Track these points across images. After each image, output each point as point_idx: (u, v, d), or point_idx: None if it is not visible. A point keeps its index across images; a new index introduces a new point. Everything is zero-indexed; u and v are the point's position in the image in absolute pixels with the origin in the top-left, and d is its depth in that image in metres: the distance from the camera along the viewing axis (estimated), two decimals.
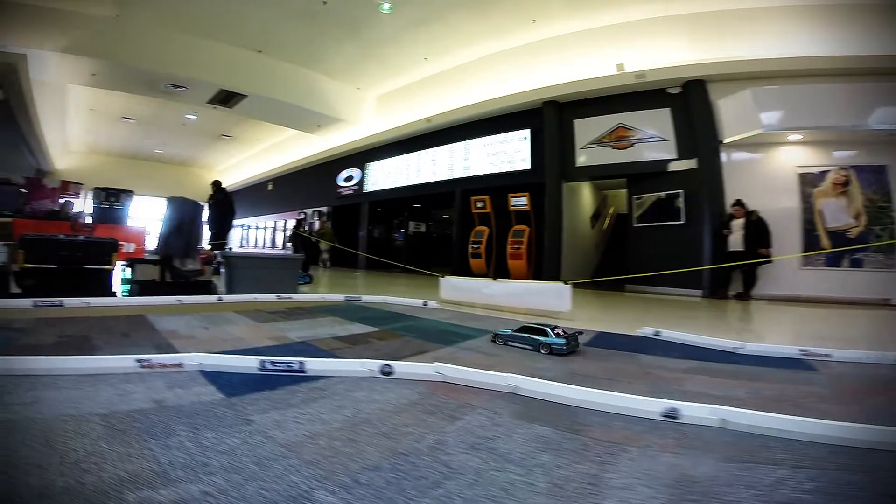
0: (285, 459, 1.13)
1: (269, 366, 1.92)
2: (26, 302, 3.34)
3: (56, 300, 3.41)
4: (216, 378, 1.79)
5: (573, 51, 9.86)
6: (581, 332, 2.99)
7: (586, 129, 9.47)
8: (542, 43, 10.38)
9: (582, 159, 9.48)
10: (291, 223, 19.06)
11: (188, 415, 1.38)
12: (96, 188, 6.86)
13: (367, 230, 15.10)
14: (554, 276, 8.81)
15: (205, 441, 1.19)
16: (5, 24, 9.35)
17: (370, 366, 2.02)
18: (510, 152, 10.61)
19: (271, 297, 4.59)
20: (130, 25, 10.27)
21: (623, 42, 9.21)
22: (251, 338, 2.69)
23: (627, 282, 8.51)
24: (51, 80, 11.49)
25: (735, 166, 8.04)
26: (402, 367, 2.03)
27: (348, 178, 16.03)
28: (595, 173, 9.49)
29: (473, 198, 10.84)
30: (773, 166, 7.83)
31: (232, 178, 23.65)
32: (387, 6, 9.50)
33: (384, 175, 14.46)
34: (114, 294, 4.09)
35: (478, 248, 10.24)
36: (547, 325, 2.83)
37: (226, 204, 8.03)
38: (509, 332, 2.92)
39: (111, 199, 6.83)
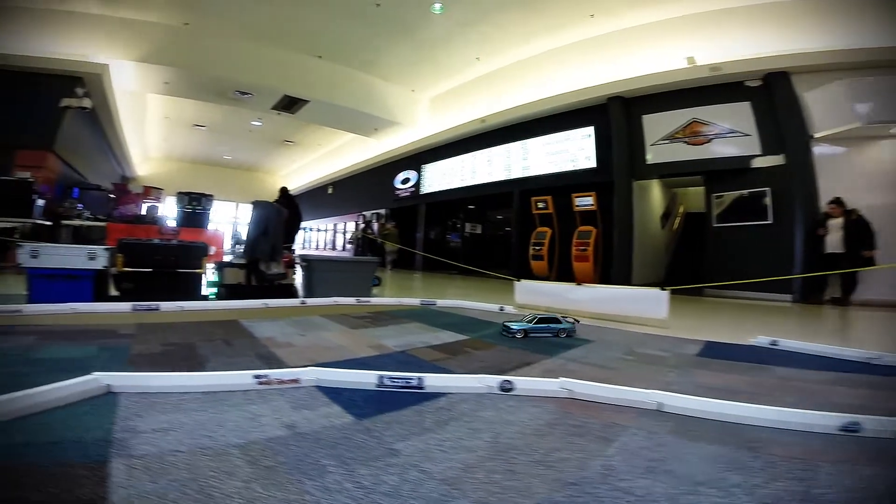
0: (457, 502, 1.02)
1: (387, 381, 1.83)
2: (126, 306, 3.43)
3: (153, 304, 3.51)
4: (336, 395, 1.70)
5: (637, 45, 9.45)
6: (578, 321, 3.38)
7: (656, 125, 9.01)
8: (603, 38, 10.05)
9: (653, 156, 9.02)
10: (351, 225, 19.52)
11: (329, 444, 1.28)
12: (179, 193, 7.21)
13: (423, 232, 15.16)
14: (624, 279, 8.43)
15: (363, 480, 1.08)
16: (88, 36, 10.07)
17: (488, 381, 1.88)
18: (573, 150, 10.27)
19: (351, 300, 4.59)
20: (199, 34, 10.83)
21: (691, 34, 8.73)
22: (351, 346, 2.64)
23: (706, 286, 7.98)
24: (130, 90, 12.32)
25: (828, 162, 7.38)
26: (524, 383, 1.89)
27: (405, 181, 16.18)
28: (668, 170, 8.98)
29: (534, 198, 10.58)
30: (874, 162, 7.10)
31: (295, 183, 24.57)
32: (437, 7, 9.48)
33: (440, 176, 14.47)
34: (205, 298, 4.23)
35: (539, 249, 9.98)
36: (550, 314, 3.28)
37: (292, 209, 8.24)
38: (526, 325, 3.11)
39: (193, 203, 7.15)
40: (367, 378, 1.84)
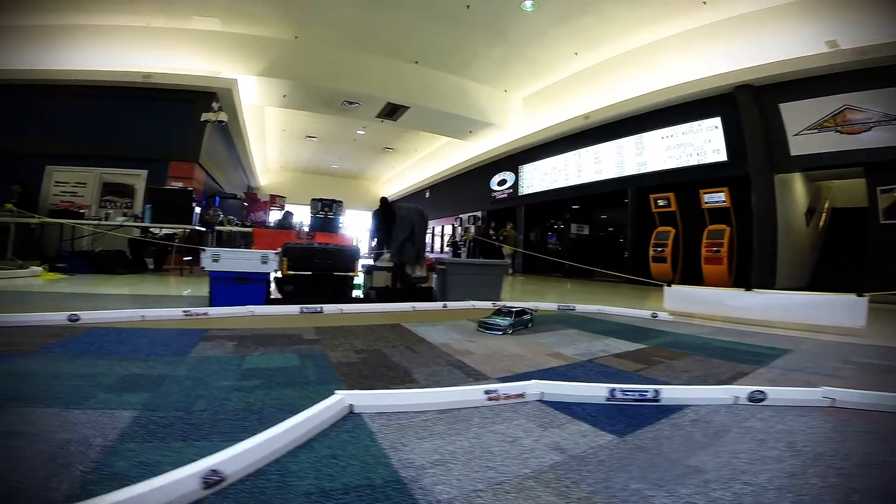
0: None
1: (619, 394, 1.71)
2: (294, 308, 3.63)
3: (317, 307, 3.69)
4: (568, 410, 1.60)
5: (760, 31, 8.56)
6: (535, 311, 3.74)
7: (798, 114, 8.05)
8: (718, 25, 9.23)
9: (797, 147, 8.02)
10: (448, 228, 19.84)
11: (618, 465, 1.18)
12: (313, 199, 7.71)
13: (523, 233, 14.93)
14: (767, 282, 7.58)
15: (695, 500, 1.00)
16: (218, 52, 11.08)
17: (734, 392, 1.73)
18: (697, 144, 9.48)
19: (486, 304, 4.56)
20: (308, 46, 11.52)
21: (824, 17, 7.75)
22: (528, 355, 2.54)
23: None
24: (252, 103, 13.41)
25: None
26: (778, 393, 1.71)
27: (501, 182, 16.07)
28: (817, 162, 7.94)
29: (653, 196, 9.91)
30: None
31: (394, 188, 25.56)
32: (529, 4, 9.27)
33: (540, 177, 14.13)
34: (358, 300, 4.43)
35: (662, 251, 9.30)
36: (511, 305, 3.59)
37: (391, 217, 8.53)
38: (507, 320, 3.17)
39: (326, 208, 7.62)
40: (596, 391, 1.73)
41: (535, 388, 1.73)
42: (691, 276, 8.85)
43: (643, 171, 10.55)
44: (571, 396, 1.72)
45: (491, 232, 12.31)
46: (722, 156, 8.95)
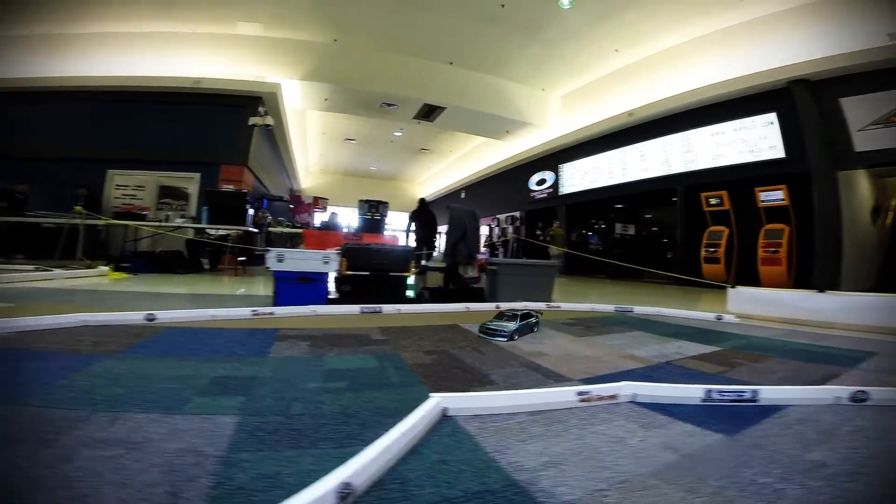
0: None
1: (715, 395, 1.65)
2: (355, 308, 3.66)
3: (376, 307, 3.71)
4: (664, 411, 1.56)
5: (816, 23, 8.18)
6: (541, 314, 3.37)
7: (861, 109, 7.64)
8: (768, 18, 8.90)
9: (863, 143, 7.58)
10: (485, 229, 19.77)
11: (739, 462, 1.15)
12: (361, 200, 7.84)
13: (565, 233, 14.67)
14: (831, 283, 7.18)
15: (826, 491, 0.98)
16: (262, 57, 11.38)
17: (835, 392, 1.68)
18: (752, 140, 9.09)
19: (541, 305, 4.51)
20: (347, 49, 11.70)
21: (886, 9, 7.29)
22: (602, 356, 2.47)
23: None
24: (295, 107, 13.71)
25: None
26: (881, 394, 1.65)
27: (540, 182, 15.87)
28: (885, 158, 7.47)
29: (704, 194, 9.56)
30: None
31: (429, 189, 25.69)
32: (566, 2, 9.15)
33: (581, 176, 13.88)
34: (411, 300, 4.46)
35: (715, 251, 8.96)
36: (516, 310, 3.06)
37: (429, 217, 8.62)
38: (513, 324, 2.84)
39: (372, 210, 7.73)
40: (691, 392, 1.68)
41: (627, 389, 1.70)
42: (746, 276, 8.48)
43: (691, 168, 10.20)
44: (665, 398, 1.68)
45: (538, 232, 12.05)
46: (779, 152, 8.55)
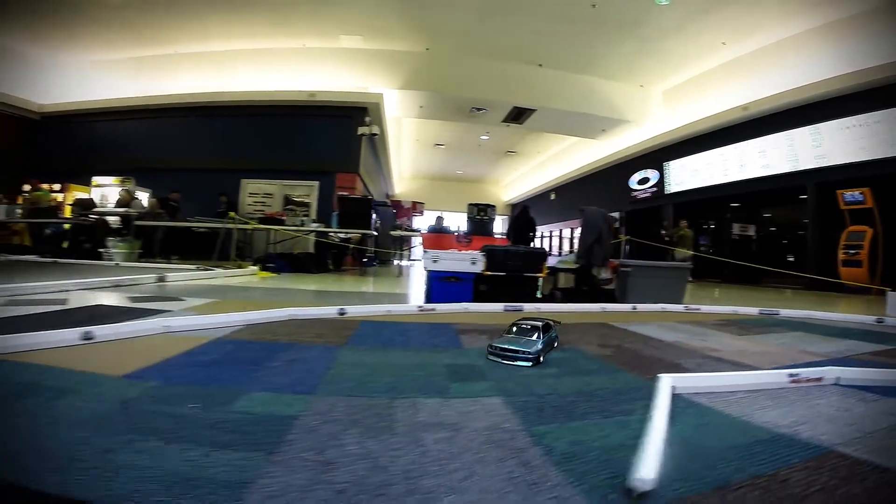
0: None
1: None
2: (499, 306, 3.86)
3: (518, 305, 3.92)
4: (875, 391, 1.64)
5: None
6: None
7: None
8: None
9: None
10: (578, 231, 19.42)
11: None
12: (469, 203, 8.18)
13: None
14: None
15: None
16: (364, 68, 12.17)
17: None
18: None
19: (679, 307, 4.47)
20: (438, 57, 12.18)
21: None
22: (777, 352, 2.44)
23: None
24: (393, 115, 14.44)
25: None
26: None
27: (643, 180, 15.28)
28: None
29: (841, 191, 8.73)
30: None
31: (515, 191, 25.73)
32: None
33: (690, 173, 13.19)
34: (543, 300, 4.64)
35: (856, 253, 8.16)
36: (531, 320, 2.19)
37: (528, 220, 8.64)
38: (537, 344, 1.99)
39: (481, 213, 8.03)
40: (891, 375, 1.73)
41: (832, 372, 1.78)
42: (891, 281, 7.63)
43: (825, 164, 9.34)
44: (870, 381, 1.74)
45: (662, 231, 11.47)
46: None
